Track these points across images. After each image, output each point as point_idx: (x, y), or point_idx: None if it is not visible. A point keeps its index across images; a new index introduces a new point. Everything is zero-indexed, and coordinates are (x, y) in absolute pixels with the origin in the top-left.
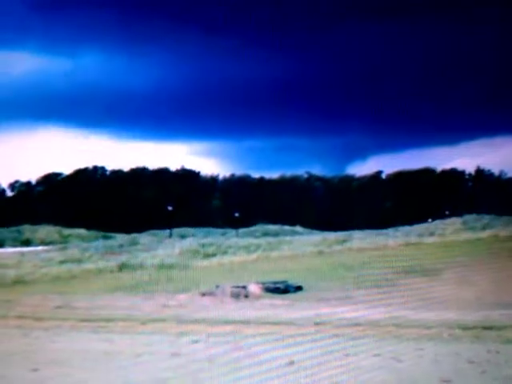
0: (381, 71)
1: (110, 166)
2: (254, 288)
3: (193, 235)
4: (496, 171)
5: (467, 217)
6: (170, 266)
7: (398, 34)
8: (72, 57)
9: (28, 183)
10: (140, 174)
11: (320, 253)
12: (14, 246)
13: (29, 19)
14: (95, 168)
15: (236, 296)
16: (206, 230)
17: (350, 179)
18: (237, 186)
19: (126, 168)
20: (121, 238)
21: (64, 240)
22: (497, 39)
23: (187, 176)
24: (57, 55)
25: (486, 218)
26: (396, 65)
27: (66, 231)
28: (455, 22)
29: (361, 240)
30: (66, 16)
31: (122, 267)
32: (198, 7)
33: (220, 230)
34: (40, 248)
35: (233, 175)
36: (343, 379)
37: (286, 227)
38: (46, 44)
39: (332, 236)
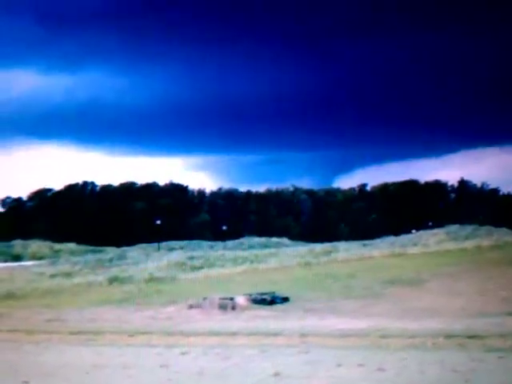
0: (365, 86)
1: (100, 182)
2: (241, 300)
3: (181, 248)
4: (478, 183)
5: (450, 227)
6: (159, 279)
7: (383, 50)
8: (69, 75)
9: (19, 199)
10: (129, 188)
11: (306, 264)
12: (5, 260)
13: (31, 38)
14: (85, 183)
15: (223, 308)
16: (193, 242)
17: (336, 192)
18: (224, 200)
19: (116, 183)
20: (110, 251)
21: (55, 254)
22: (482, 56)
23: (175, 190)
24: (55, 74)
25: (469, 229)
26: (381, 80)
27: (57, 246)
28: (441, 36)
29: (346, 251)
30: (67, 35)
31: (111, 281)
32: (189, 26)
33: (208, 243)
34: (31, 263)
35: (220, 189)
36: None
37: (273, 239)
38: (46, 62)
39: (318, 247)
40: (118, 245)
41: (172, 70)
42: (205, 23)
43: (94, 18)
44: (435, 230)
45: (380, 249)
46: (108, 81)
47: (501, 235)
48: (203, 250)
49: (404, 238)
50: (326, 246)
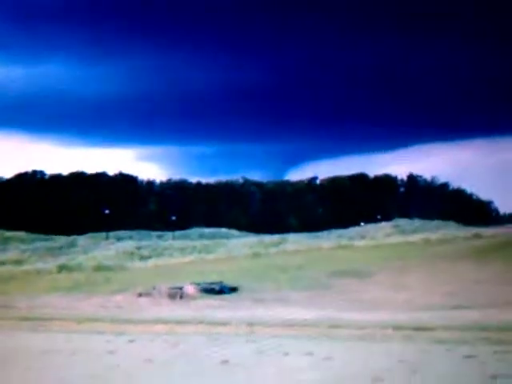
0: (318, 81)
1: (49, 170)
2: (189, 289)
3: (129, 238)
4: (428, 177)
5: (399, 221)
6: (107, 268)
7: (337, 44)
8: (27, 67)
9: None
10: (78, 178)
11: (255, 255)
12: None
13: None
14: (35, 172)
15: (172, 297)
16: (142, 232)
17: (285, 184)
18: (174, 190)
19: (65, 172)
20: (59, 240)
21: (4, 242)
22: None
23: (124, 180)
24: (13, 65)
25: (418, 222)
26: (333, 75)
27: (7, 233)
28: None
29: (295, 243)
30: (28, 28)
31: (60, 268)
32: (145, 21)
33: (156, 233)
34: None
35: (170, 179)
36: (276, 378)
37: (222, 230)
38: (5, 54)
39: (267, 239)
40: (68, 233)
41: (126, 63)
42: (158, 18)
43: (53, 11)
44: (383, 224)
45: (328, 241)
46: (64, 73)
47: (449, 229)
48: (152, 239)
49: (352, 230)
50: (275, 237)
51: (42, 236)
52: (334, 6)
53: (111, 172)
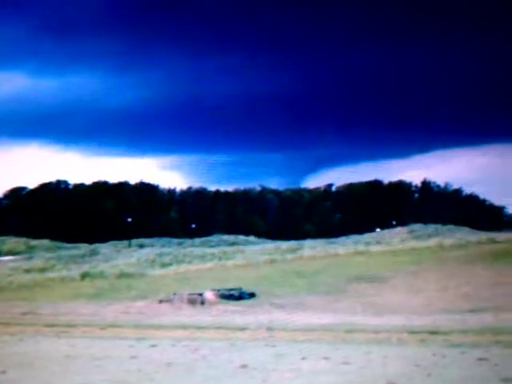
0: (333, 88)
1: (73, 180)
2: (209, 295)
3: (151, 245)
4: (442, 183)
5: (413, 226)
6: (129, 275)
7: (353, 52)
8: (55, 78)
9: None
10: (101, 187)
11: (273, 261)
12: None
13: (25, 42)
14: (58, 182)
15: (192, 303)
16: (163, 240)
17: (302, 191)
18: (193, 199)
19: (88, 182)
20: (83, 248)
21: (30, 250)
22: (453, 60)
23: (146, 189)
24: (42, 77)
25: (432, 228)
26: (348, 82)
27: (32, 242)
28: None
29: (312, 248)
30: (56, 39)
31: (83, 276)
32: (169, 32)
33: (177, 240)
34: (7, 258)
35: (190, 188)
36: (293, 382)
37: (241, 237)
38: (35, 65)
39: (284, 245)
40: (91, 242)
41: (148, 74)
42: (183, 33)
43: (82, 22)
44: (398, 229)
45: (345, 247)
46: (87, 84)
47: (463, 234)
48: (173, 247)
49: (368, 236)
50: (292, 243)
51: (65, 244)
52: (347, 13)
53: (133, 181)
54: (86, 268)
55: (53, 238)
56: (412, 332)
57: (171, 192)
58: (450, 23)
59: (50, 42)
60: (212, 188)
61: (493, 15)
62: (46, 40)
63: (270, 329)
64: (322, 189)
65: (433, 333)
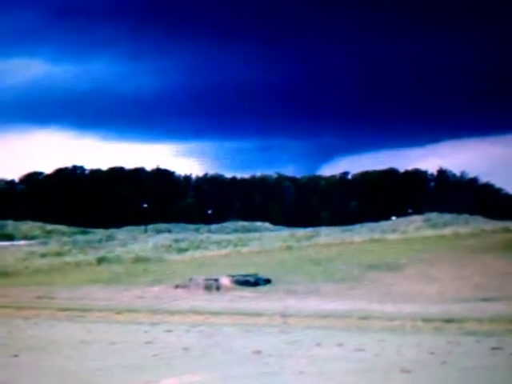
0: (349, 78)
1: (89, 166)
2: (225, 281)
3: (167, 231)
4: (457, 172)
5: (429, 215)
6: (146, 260)
7: (366, 43)
8: (72, 64)
9: (11, 182)
10: (117, 173)
11: (288, 248)
12: None
13: (42, 29)
14: (75, 167)
15: (208, 288)
16: (179, 225)
17: (318, 179)
18: (210, 185)
19: (104, 167)
20: (99, 233)
21: (46, 235)
22: (466, 51)
23: (162, 175)
24: (60, 63)
25: (447, 216)
26: (363, 71)
27: (48, 227)
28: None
29: (328, 236)
30: (73, 26)
31: (99, 261)
32: (185, 22)
33: (193, 226)
34: (23, 242)
35: (206, 174)
36: (307, 368)
37: (257, 223)
38: (52, 52)
39: (300, 232)
40: (107, 227)
41: (164, 60)
42: (200, 19)
43: (99, 9)
44: (414, 217)
45: (360, 234)
46: (104, 69)
47: (478, 223)
48: (189, 232)
49: (383, 224)
50: (308, 230)
51: (81, 229)
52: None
53: (149, 167)
54: (102, 253)
55: (69, 223)
56: (426, 320)
57: (187, 178)
58: (462, 12)
59: (65, 30)
60: (228, 175)
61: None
62: (61, 27)
63: (284, 315)
64: (338, 176)
65: (447, 321)
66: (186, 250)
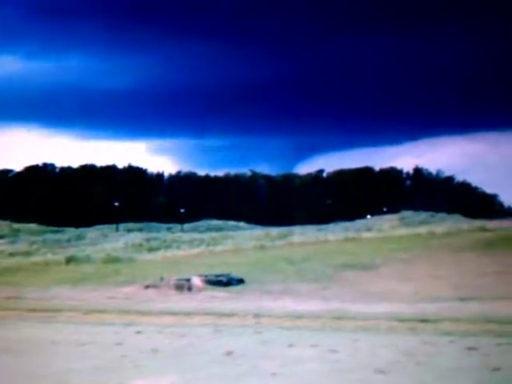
0: (326, 73)
1: (59, 163)
2: (197, 281)
3: (139, 230)
4: (433, 170)
5: (404, 213)
6: (116, 260)
7: (343, 39)
8: (45, 62)
9: None
10: (88, 170)
11: (262, 247)
12: None
13: (16, 26)
14: (45, 165)
15: (180, 288)
16: (151, 224)
17: (293, 177)
18: (183, 183)
19: (75, 165)
20: (69, 232)
21: (14, 234)
22: (442, 48)
23: (134, 173)
24: (33, 60)
25: (423, 215)
26: (339, 69)
27: (16, 225)
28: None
29: (302, 235)
30: (48, 23)
31: (69, 260)
32: (163, 18)
33: (165, 225)
34: None
35: (179, 172)
36: (280, 369)
37: (230, 222)
38: (26, 49)
39: (274, 231)
40: (77, 225)
41: (139, 57)
42: (175, 16)
43: (73, 6)
44: (389, 216)
45: (335, 233)
46: (76, 67)
47: (454, 222)
48: (161, 231)
49: (358, 222)
50: (282, 229)
51: (51, 228)
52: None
53: (121, 165)
54: (71, 252)
55: (38, 221)
56: (401, 320)
57: (159, 176)
58: (442, 12)
59: (39, 27)
60: (202, 173)
61: (489, 7)
62: (35, 24)
63: (257, 315)
64: (313, 175)
65: (422, 321)
66: (157, 249)
